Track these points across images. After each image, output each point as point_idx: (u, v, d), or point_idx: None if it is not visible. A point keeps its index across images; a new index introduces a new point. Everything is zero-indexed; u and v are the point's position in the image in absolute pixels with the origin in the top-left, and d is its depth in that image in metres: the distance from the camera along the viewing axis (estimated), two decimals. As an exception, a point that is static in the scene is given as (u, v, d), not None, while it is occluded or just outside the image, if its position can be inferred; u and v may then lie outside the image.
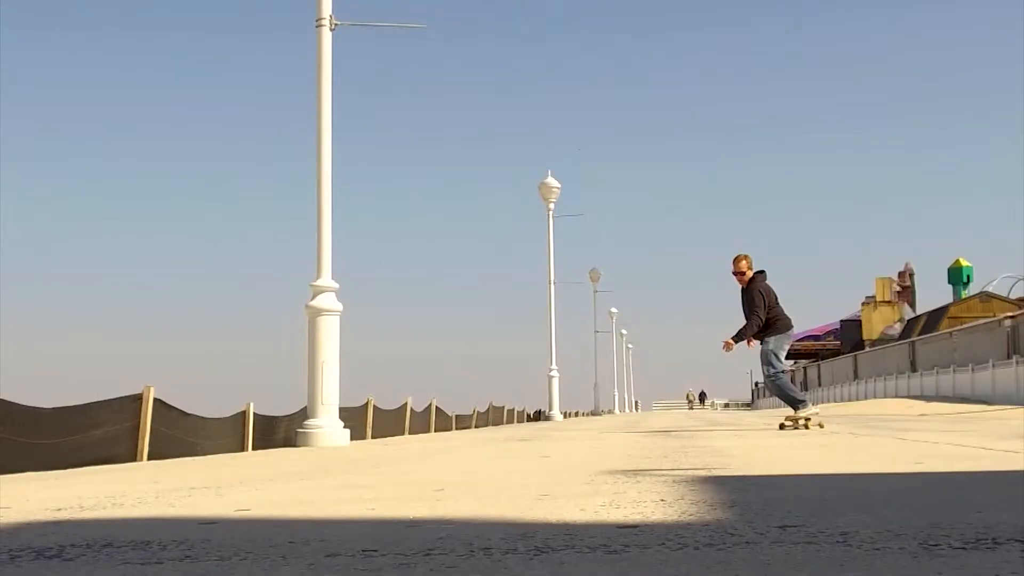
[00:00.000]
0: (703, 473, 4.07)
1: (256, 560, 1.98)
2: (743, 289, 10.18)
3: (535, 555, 1.95)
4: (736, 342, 10.03)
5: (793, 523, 2.33)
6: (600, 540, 2.13)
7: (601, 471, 4.30)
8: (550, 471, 4.55)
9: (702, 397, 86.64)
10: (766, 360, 9.99)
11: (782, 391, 10.05)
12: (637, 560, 1.88)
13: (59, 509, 3.18)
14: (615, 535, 2.20)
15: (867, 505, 2.77)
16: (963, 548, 1.93)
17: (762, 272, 10.21)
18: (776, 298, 10.17)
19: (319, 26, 10.67)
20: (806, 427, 9.67)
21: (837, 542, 2.02)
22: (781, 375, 10.15)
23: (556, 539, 2.16)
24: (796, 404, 9.94)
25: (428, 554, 1.99)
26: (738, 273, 10.21)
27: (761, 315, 9.88)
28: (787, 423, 9.95)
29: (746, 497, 3.06)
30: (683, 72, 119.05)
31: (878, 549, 1.93)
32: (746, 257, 10.20)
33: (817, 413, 10.12)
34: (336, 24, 10.71)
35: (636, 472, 4.19)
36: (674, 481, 3.65)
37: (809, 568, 1.75)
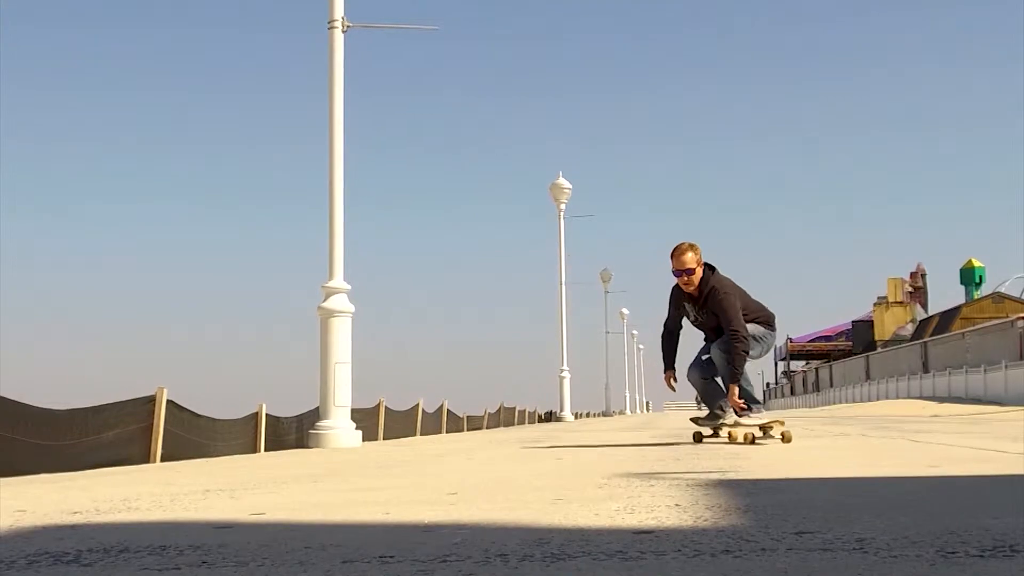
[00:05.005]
0: (717, 476, 4.06)
1: (273, 566, 1.99)
2: (694, 297, 6.95)
3: (552, 562, 1.96)
4: (739, 391, 6.91)
5: (809, 529, 2.32)
6: (616, 546, 2.13)
7: (614, 474, 4.29)
8: (563, 473, 4.55)
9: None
10: (745, 337, 6.83)
11: (743, 381, 7.00)
12: (654, 567, 1.88)
13: (74, 512, 3.19)
14: (631, 541, 2.20)
15: (882, 510, 2.76)
16: (980, 556, 1.92)
17: (711, 266, 7.02)
18: (743, 291, 7.13)
19: (331, 27, 10.69)
20: (729, 436, 7.04)
21: (854, 549, 2.02)
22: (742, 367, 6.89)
23: (572, 545, 2.16)
24: (752, 403, 7.11)
25: (445, 560, 1.99)
26: (685, 272, 6.84)
27: (743, 326, 6.84)
28: (706, 425, 7.19)
29: (761, 501, 3.05)
30: (694, 72, 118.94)
31: (895, 557, 1.92)
32: (692, 246, 6.89)
33: (767, 426, 7.10)
34: (348, 26, 10.73)
35: (650, 475, 4.19)
36: (688, 485, 3.64)
37: (827, 576, 1.75)
